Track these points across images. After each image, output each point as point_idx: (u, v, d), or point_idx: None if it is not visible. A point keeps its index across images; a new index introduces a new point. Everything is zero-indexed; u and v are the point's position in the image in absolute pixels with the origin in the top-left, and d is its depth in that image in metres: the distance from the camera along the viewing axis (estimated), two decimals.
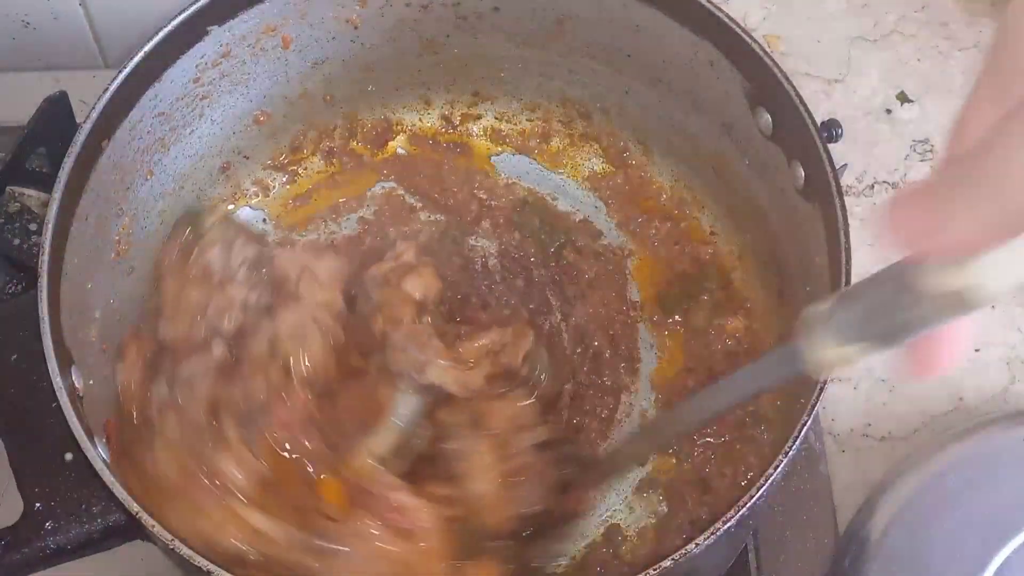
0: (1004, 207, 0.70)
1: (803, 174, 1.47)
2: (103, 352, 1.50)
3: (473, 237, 1.76)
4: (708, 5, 1.52)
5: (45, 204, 1.70)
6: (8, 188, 1.76)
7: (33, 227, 1.74)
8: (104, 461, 1.30)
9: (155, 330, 1.50)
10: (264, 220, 1.79)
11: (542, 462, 1.44)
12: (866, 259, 1.91)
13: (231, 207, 1.77)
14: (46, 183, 1.72)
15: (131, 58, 1.50)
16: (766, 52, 1.47)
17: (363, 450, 1.41)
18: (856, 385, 1.81)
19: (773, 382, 1.21)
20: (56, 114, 1.81)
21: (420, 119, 1.85)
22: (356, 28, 1.69)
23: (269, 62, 1.67)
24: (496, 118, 1.85)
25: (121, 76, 1.49)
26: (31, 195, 1.77)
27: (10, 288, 1.75)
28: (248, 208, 1.79)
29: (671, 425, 1.45)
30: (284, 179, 1.82)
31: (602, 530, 1.57)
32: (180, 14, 1.52)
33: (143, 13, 1.78)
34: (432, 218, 1.79)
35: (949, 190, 0.73)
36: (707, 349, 1.64)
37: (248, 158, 1.78)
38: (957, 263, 0.76)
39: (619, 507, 1.59)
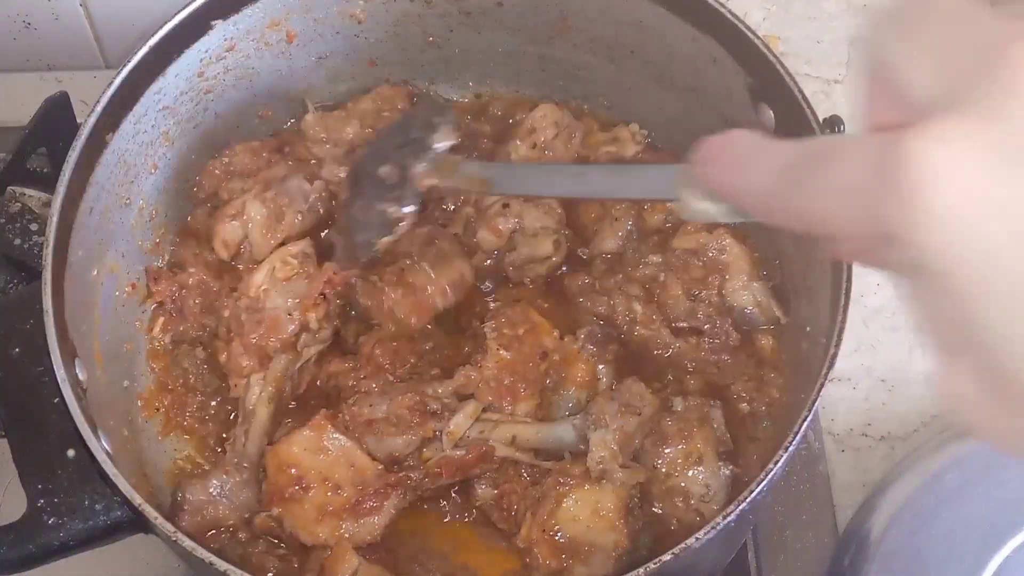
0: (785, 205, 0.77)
1: None
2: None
3: None
4: (711, 1, 1.52)
5: (46, 204, 1.70)
6: (9, 188, 1.76)
7: (34, 227, 1.73)
8: (107, 454, 1.30)
9: None
10: None
11: None
12: None
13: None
14: (47, 183, 1.72)
15: (136, 52, 1.50)
16: (769, 48, 1.48)
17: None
18: (856, 385, 1.81)
19: (645, 193, 1.31)
20: (57, 114, 1.81)
21: None
22: (360, 23, 1.70)
23: (273, 57, 1.68)
24: None
25: (126, 70, 1.49)
26: (32, 195, 1.77)
27: (11, 288, 1.75)
28: None
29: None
30: None
31: None
32: (185, 8, 1.53)
33: (143, 14, 1.78)
34: None
35: (784, 158, 0.78)
36: None
37: None
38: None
39: None
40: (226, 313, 1.57)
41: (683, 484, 1.44)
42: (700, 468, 1.45)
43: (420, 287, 1.55)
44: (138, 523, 1.35)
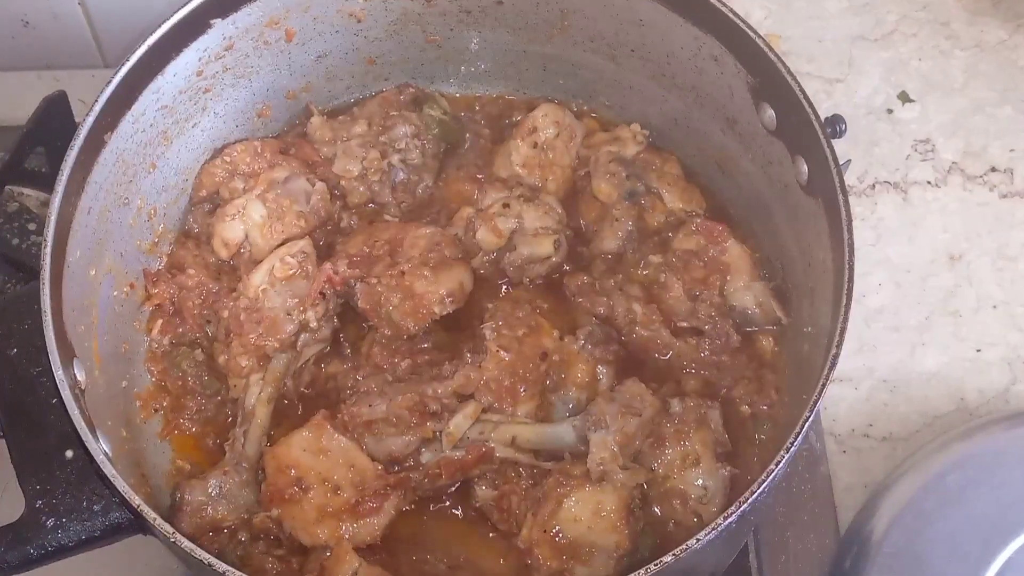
0: None
1: (806, 170, 1.48)
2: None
3: None
4: (713, 0, 1.52)
5: (44, 204, 1.70)
6: (7, 188, 1.76)
7: (32, 227, 1.73)
8: (106, 455, 1.29)
9: None
10: None
11: None
12: (868, 258, 1.93)
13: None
14: (45, 182, 1.72)
15: (134, 51, 1.50)
16: (770, 47, 1.47)
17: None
18: (857, 385, 1.81)
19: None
20: (55, 113, 1.81)
21: None
22: (360, 21, 1.70)
23: (272, 55, 1.68)
24: None
25: (124, 69, 1.49)
26: (30, 195, 1.77)
27: (8, 288, 1.75)
28: None
29: None
30: None
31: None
32: (183, 6, 1.52)
33: (142, 13, 1.79)
34: None
35: None
36: None
37: None
38: None
39: None
40: (225, 314, 1.57)
41: (681, 486, 1.44)
42: (697, 470, 1.44)
43: (419, 293, 1.54)
44: (137, 524, 1.35)
